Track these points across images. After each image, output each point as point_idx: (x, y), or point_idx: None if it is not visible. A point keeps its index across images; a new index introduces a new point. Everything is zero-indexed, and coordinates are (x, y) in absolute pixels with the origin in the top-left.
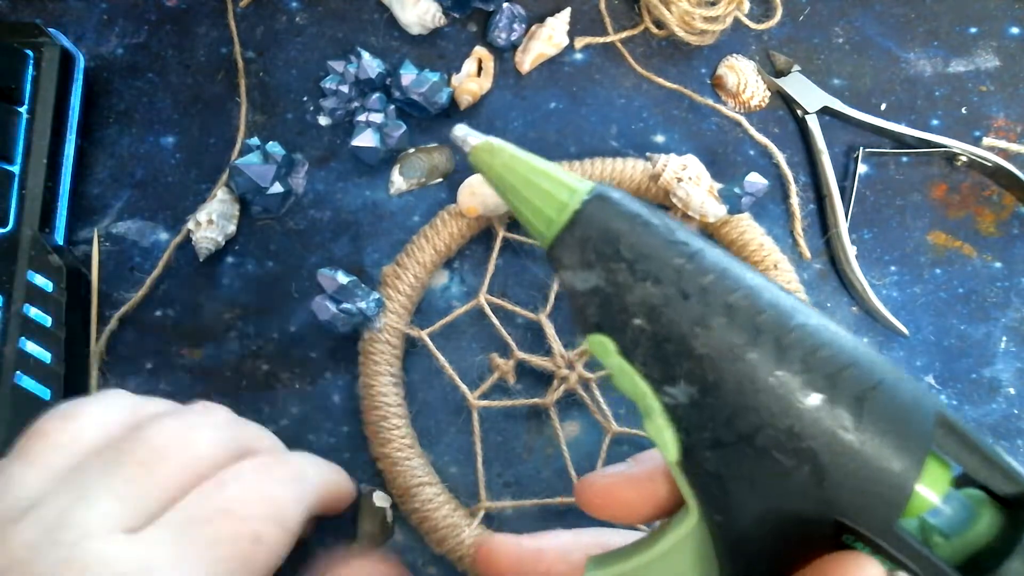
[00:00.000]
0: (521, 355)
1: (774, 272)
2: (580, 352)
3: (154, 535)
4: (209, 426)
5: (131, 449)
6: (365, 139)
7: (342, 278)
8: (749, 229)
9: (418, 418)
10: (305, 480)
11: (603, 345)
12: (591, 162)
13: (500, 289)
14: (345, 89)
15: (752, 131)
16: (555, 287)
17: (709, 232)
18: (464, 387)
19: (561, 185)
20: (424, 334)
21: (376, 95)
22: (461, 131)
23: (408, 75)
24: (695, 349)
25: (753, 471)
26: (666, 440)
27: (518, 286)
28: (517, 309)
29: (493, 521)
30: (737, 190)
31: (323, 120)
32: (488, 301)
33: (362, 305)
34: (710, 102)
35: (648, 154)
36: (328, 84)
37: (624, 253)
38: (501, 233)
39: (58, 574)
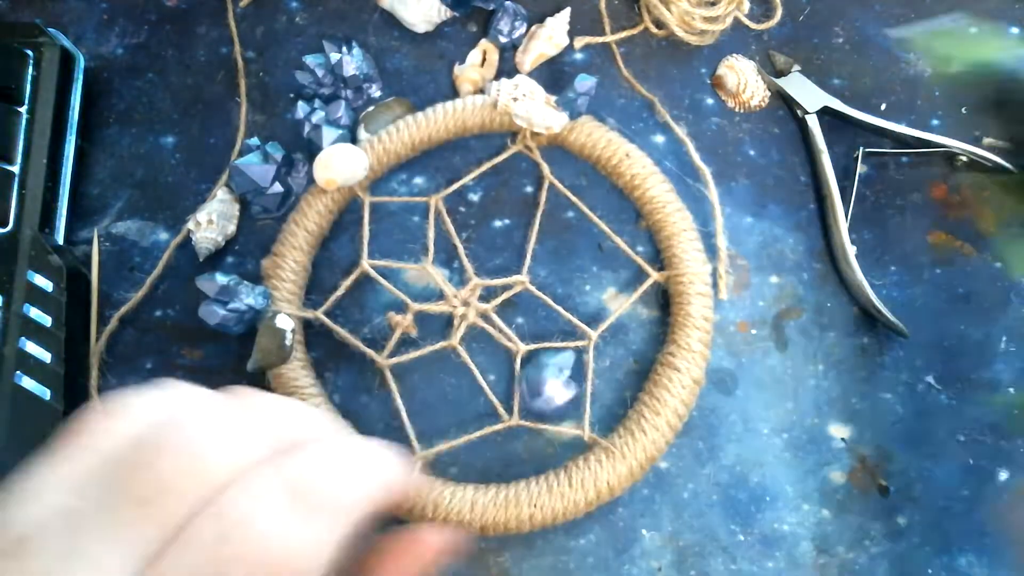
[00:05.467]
0: (417, 306)
1: (628, 161)
2: (471, 288)
3: None
4: (233, 432)
5: (133, 478)
6: (331, 138)
7: (221, 279)
8: (595, 129)
9: (332, 398)
10: (349, 504)
11: None
12: (433, 109)
13: (379, 252)
14: (320, 74)
15: (695, 157)
16: (431, 236)
17: (559, 141)
18: (370, 351)
19: None
20: (319, 313)
21: (343, 103)
22: None
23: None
24: None
25: None
26: None
27: (392, 245)
28: (401, 264)
29: (436, 467)
30: (571, 95)
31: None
32: (372, 265)
33: (249, 301)
34: (674, 126)
35: (483, 87)
36: (309, 61)
37: None
38: (367, 200)
39: None
